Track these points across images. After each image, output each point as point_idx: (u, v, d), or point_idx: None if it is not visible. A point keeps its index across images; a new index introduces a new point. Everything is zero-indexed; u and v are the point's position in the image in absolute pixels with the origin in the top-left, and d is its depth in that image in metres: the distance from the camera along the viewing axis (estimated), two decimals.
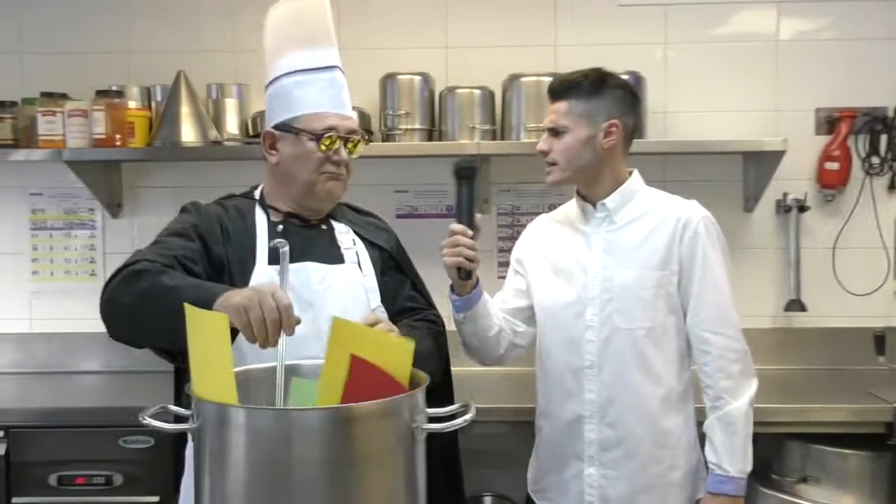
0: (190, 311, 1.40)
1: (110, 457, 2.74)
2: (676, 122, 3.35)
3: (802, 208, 3.31)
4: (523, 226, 2.50)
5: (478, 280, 2.07)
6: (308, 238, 1.93)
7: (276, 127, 1.93)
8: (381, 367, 1.51)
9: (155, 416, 1.45)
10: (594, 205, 2.16)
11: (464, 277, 1.99)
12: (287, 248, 1.67)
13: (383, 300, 1.98)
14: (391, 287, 2.02)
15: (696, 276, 2.09)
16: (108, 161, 3.28)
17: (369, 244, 2.02)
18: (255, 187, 2.04)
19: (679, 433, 2.14)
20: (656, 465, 2.12)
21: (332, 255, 1.94)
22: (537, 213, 3.05)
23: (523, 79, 3.14)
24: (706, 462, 2.13)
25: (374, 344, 1.55)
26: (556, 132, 2.10)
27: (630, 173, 2.19)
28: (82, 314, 3.29)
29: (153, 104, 3.26)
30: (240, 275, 1.85)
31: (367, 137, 2.00)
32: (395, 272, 2.06)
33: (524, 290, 2.27)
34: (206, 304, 1.53)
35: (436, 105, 3.24)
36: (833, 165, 3.28)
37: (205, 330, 1.38)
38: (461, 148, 3.14)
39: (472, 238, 1.98)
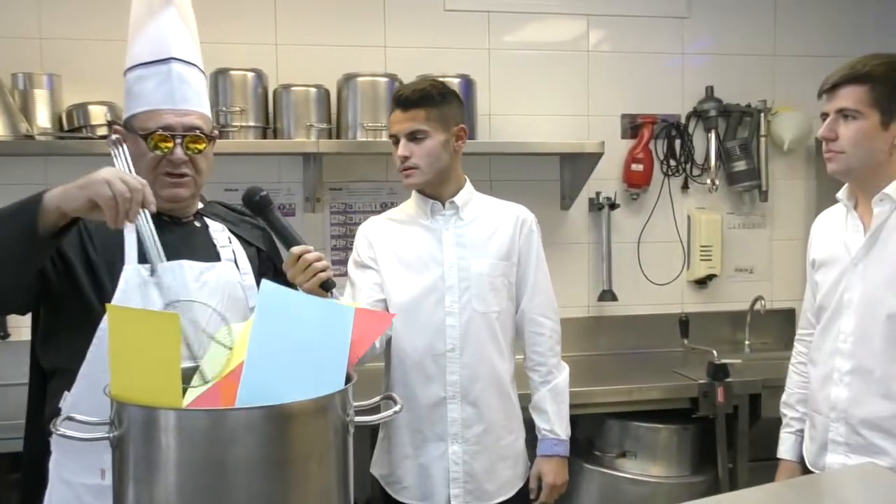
0: (116, 311, 1.30)
1: None
2: (501, 124, 3.51)
3: (613, 206, 3.60)
4: (356, 224, 2.49)
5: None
6: (182, 236, 1.85)
7: (124, 124, 1.86)
8: None
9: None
10: (443, 203, 2.30)
11: (330, 288, 1.91)
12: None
13: None
14: None
15: (532, 267, 2.35)
16: None
17: (245, 243, 1.96)
18: None
19: (518, 405, 2.37)
20: (508, 435, 2.32)
21: (208, 252, 1.87)
22: (370, 211, 3.10)
23: (359, 78, 3.16)
24: (537, 430, 2.37)
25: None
26: (415, 138, 2.21)
27: (465, 177, 2.37)
28: None
29: None
30: (108, 275, 1.74)
31: (213, 136, 1.91)
32: (275, 276, 1.99)
33: (380, 283, 2.32)
34: (34, 203, 1.50)
35: (269, 102, 3.18)
36: (638, 167, 3.60)
37: (140, 330, 1.28)
38: (301, 146, 3.11)
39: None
